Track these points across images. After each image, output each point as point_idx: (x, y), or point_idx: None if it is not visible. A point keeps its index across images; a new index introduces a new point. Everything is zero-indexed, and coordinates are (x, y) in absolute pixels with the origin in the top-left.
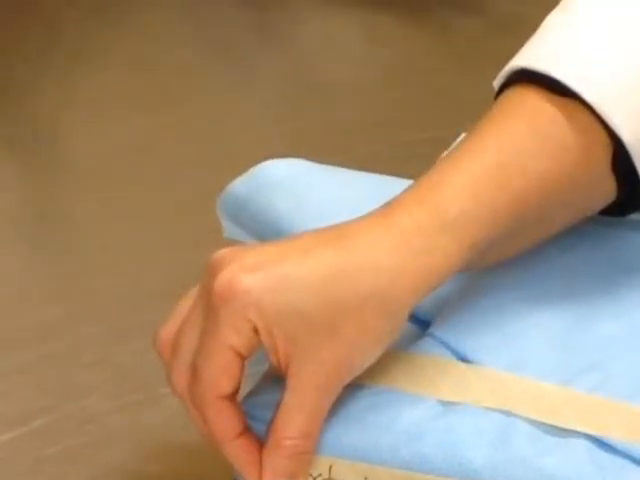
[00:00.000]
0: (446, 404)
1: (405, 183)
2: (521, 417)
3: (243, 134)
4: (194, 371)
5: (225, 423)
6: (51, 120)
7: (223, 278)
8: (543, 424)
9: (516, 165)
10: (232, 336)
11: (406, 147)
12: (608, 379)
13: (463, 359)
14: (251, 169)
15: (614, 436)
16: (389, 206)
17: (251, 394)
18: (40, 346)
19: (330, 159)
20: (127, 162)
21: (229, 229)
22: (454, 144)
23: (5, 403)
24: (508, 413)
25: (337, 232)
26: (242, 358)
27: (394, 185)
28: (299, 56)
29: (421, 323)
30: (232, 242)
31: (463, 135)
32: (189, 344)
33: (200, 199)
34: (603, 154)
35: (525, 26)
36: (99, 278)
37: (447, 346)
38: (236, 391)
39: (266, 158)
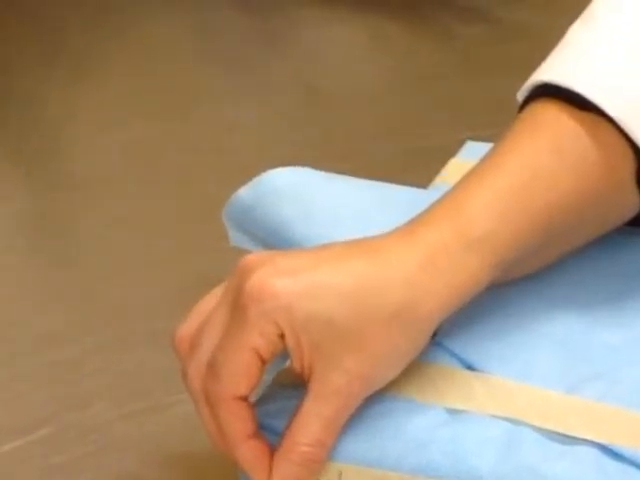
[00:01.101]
0: (453, 412)
1: (409, 190)
2: (527, 425)
3: (247, 142)
4: (213, 369)
5: (238, 424)
6: (54, 130)
7: (255, 280)
8: (549, 432)
9: (539, 182)
10: (257, 339)
11: (410, 154)
12: (614, 387)
13: (470, 367)
14: (256, 177)
15: (620, 443)
16: (415, 223)
17: (258, 403)
18: (43, 354)
19: (333, 166)
20: (131, 171)
21: (235, 237)
22: (460, 152)
23: (9, 412)
24: (515, 421)
25: (368, 245)
26: (263, 362)
27: (397, 193)
28: (302, 64)
29: None
30: (238, 250)
31: (469, 143)
32: (210, 342)
33: (204, 207)
34: (626, 168)
35: (529, 33)
36: (103, 286)
37: (454, 354)
38: (251, 393)
39: (270, 165)
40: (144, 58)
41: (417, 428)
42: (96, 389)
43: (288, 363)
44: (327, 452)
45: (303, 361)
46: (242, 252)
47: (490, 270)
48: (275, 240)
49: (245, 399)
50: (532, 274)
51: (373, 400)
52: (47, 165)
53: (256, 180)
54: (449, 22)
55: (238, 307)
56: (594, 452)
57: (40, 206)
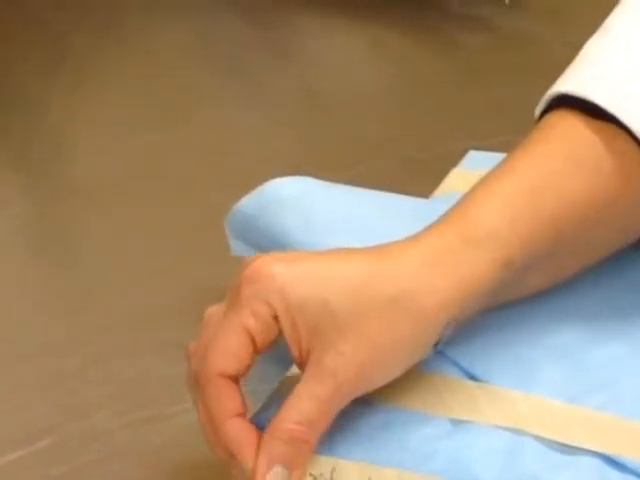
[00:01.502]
0: (456, 422)
1: (411, 200)
2: (530, 435)
3: (248, 149)
4: (204, 350)
5: (224, 401)
6: (56, 136)
7: (253, 265)
8: (552, 442)
9: (550, 186)
10: (249, 318)
11: (411, 164)
12: (617, 397)
13: (473, 377)
14: (258, 187)
15: (623, 454)
16: (424, 230)
17: (261, 410)
18: (45, 363)
19: (335, 175)
20: (133, 178)
21: (237, 247)
22: (462, 161)
23: (11, 422)
24: (518, 431)
25: (372, 247)
26: (254, 345)
27: (399, 202)
28: (304, 72)
29: None
30: (240, 259)
31: (472, 152)
32: (208, 337)
33: (206, 214)
34: None
35: (531, 42)
36: (105, 295)
37: (456, 364)
38: (241, 375)
39: (272, 174)
40: (147, 65)
41: (420, 439)
42: (98, 398)
43: (290, 372)
44: (317, 435)
45: (301, 345)
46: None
47: (496, 269)
48: (277, 250)
49: (234, 380)
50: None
51: (375, 411)
52: (49, 171)
53: (258, 190)
54: (451, 31)
55: (234, 292)
56: (596, 462)
57: (41, 213)
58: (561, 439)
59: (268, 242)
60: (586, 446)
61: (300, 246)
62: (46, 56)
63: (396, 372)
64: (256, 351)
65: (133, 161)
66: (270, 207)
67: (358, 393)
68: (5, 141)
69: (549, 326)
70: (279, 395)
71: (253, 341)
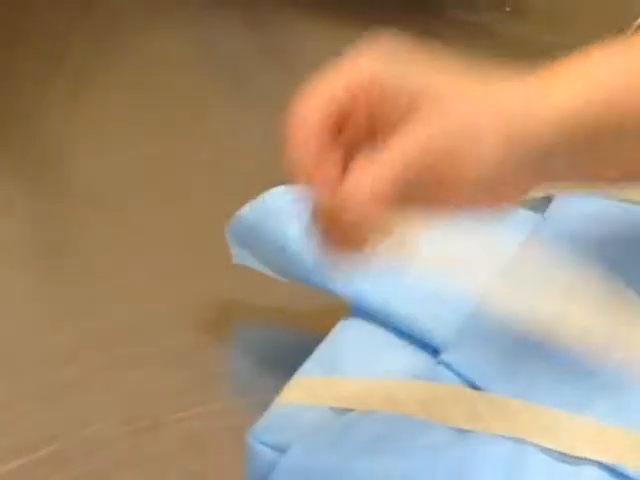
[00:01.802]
0: (458, 432)
1: None
2: (533, 445)
3: (249, 158)
4: None
5: (305, 124)
6: (58, 141)
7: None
8: (555, 452)
9: (626, 78)
10: (353, 69)
11: None
12: (620, 407)
13: (475, 387)
14: (260, 195)
15: (627, 464)
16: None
17: (261, 423)
18: (48, 373)
19: None
20: (134, 185)
21: (238, 254)
22: None
23: (13, 431)
24: (520, 441)
25: None
26: (337, 108)
27: None
28: (305, 79)
29: (433, 351)
30: (242, 267)
31: None
32: None
33: (207, 223)
34: None
35: (531, 48)
36: (107, 305)
37: (459, 374)
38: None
39: (273, 183)
40: (146, 70)
41: (422, 448)
42: (101, 407)
43: (292, 380)
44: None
45: (394, 115)
46: (246, 268)
47: (562, 125)
48: (278, 258)
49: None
50: (536, 293)
51: (377, 420)
52: (49, 177)
53: (259, 198)
54: (451, 38)
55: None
56: (601, 473)
57: (41, 219)
58: (564, 449)
59: (268, 250)
60: (589, 456)
61: (301, 255)
62: (46, 58)
63: (458, 179)
64: (334, 116)
65: (133, 166)
66: (270, 216)
67: (420, 183)
68: (5, 147)
69: (552, 335)
70: (278, 409)
71: (336, 101)
